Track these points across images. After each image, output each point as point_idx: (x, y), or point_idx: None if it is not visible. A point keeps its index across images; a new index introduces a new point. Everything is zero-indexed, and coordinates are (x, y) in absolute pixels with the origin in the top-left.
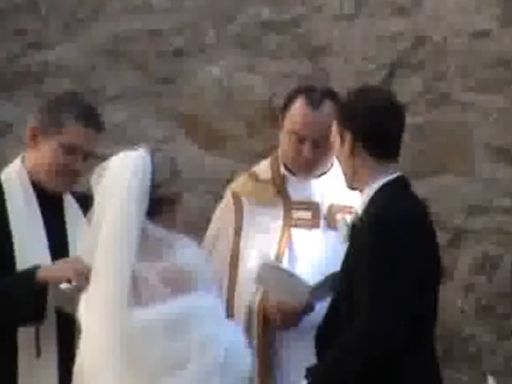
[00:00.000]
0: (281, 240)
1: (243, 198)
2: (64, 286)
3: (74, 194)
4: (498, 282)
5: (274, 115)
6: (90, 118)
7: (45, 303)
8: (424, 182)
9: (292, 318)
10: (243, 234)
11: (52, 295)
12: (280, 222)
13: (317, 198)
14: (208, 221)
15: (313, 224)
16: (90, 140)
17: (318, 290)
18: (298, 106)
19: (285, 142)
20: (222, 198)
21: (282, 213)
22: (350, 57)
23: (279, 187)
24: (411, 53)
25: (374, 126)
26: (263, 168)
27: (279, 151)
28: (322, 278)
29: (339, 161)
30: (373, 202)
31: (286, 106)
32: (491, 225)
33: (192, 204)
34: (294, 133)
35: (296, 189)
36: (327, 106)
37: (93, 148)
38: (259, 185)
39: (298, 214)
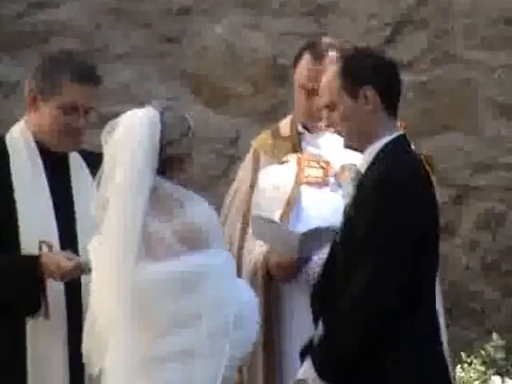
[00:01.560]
0: (290, 196)
1: (262, 153)
2: None
3: (80, 152)
4: (502, 238)
5: (278, 73)
6: (86, 75)
7: (39, 296)
8: (429, 139)
9: (290, 270)
10: (256, 189)
11: None
12: (292, 179)
13: (329, 157)
14: (212, 179)
15: (323, 182)
16: (88, 96)
17: (307, 239)
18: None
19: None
20: (226, 156)
21: (295, 169)
22: (355, 15)
23: (295, 144)
24: (416, 10)
25: (390, 80)
26: (284, 124)
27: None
28: (313, 227)
29: (344, 121)
30: (377, 161)
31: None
32: (496, 182)
33: (196, 163)
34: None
35: (310, 146)
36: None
37: (93, 103)
38: (277, 141)
39: (310, 171)
